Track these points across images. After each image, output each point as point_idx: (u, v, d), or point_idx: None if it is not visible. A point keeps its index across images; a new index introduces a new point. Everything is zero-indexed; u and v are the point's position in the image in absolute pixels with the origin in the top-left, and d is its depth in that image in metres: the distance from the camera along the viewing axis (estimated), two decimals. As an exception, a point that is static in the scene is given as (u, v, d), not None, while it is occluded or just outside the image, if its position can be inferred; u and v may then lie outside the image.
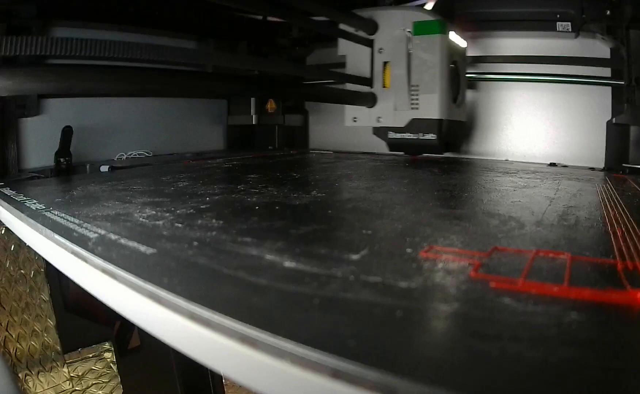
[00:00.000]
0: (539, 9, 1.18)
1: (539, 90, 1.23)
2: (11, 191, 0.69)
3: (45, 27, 1.03)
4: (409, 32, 1.09)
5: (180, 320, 0.27)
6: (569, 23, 1.16)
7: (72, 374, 0.88)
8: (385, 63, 1.13)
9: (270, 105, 1.42)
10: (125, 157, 1.19)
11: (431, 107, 1.08)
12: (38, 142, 1.06)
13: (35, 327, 0.87)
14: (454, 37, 1.11)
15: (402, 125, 1.12)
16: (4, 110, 0.98)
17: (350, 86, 1.14)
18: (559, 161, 1.19)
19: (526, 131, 1.25)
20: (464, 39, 1.19)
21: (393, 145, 1.15)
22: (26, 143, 1.05)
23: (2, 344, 0.77)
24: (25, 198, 0.62)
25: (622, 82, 1.12)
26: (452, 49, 1.11)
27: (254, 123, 1.41)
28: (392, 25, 1.11)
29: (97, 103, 1.18)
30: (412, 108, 1.10)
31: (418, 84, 1.09)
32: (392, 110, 1.12)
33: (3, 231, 0.88)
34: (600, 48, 1.17)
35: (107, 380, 0.95)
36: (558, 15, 1.17)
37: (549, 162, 1.19)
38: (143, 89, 1.13)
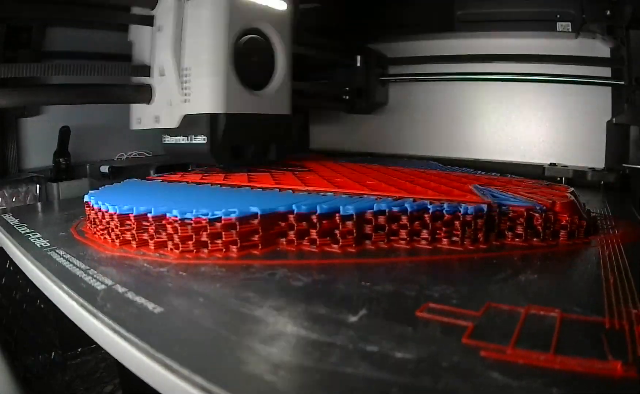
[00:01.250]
0: (539, 9, 1.19)
1: (538, 90, 1.24)
2: (14, 219, 0.71)
3: (45, 27, 1.04)
4: None
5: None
6: (569, 23, 1.17)
7: (72, 375, 0.90)
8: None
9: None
10: (125, 157, 1.21)
11: (202, 96, 0.81)
12: (38, 142, 1.07)
13: (35, 327, 0.89)
14: None
15: (175, 125, 0.85)
16: (4, 110, 0.99)
17: (137, 80, 0.90)
18: (559, 161, 1.20)
19: (526, 131, 1.26)
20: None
21: (169, 152, 0.91)
22: (26, 143, 1.07)
23: (2, 344, 0.78)
24: (28, 230, 0.64)
25: (622, 82, 1.13)
26: (246, 10, 0.84)
27: (254, 123, 1.41)
28: None
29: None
30: (185, 101, 0.83)
31: (190, 66, 0.82)
32: (167, 106, 0.86)
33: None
34: (600, 48, 1.18)
35: (107, 380, 0.97)
36: (558, 15, 1.17)
37: (549, 162, 1.20)
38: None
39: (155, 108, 0.87)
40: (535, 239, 0.54)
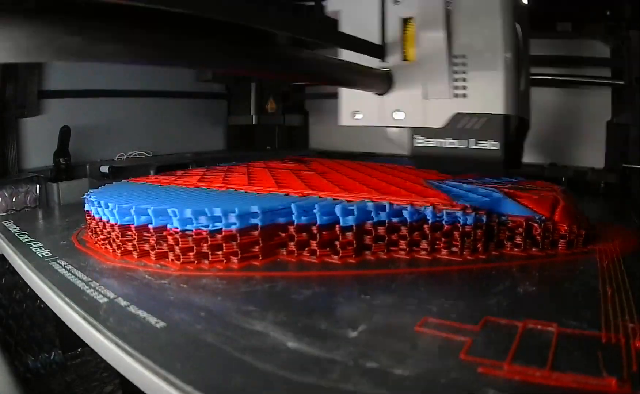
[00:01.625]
0: (539, 9, 1.19)
1: (538, 90, 1.24)
2: (14, 226, 0.72)
3: None
4: None
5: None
6: (569, 23, 1.17)
7: (72, 375, 0.91)
8: (406, 21, 0.73)
9: (271, 105, 1.43)
10: (125, 157, 1.21)
11: (491, 93, 0.68)
12: (38, 142, 1.08)
13: (35, 327, 0.89)
14: None
15: (439, 125, 0.72)
16: (4, 110, 1.00)
17: (348, 60, 0.68)
18: (559, 161, 1.21)
19: (526, 131, 1.26)
20: None
21: (421, 157, 0.75)
22: (26, 143, 1.08)
23: (2, 344, 0.79)
24: (30, 239, 0.64)
25: (622, 82, 1.13)
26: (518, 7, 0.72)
27: (254, 123, 1.43)
28: None
29: (97, 103, 1.20)
30: (457, 96, 0.70)
31: (465, 55, 0.68)
32: (419, 100, 0.72)
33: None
34: (600, 48, 1.18)
35: (107, 381, 0.98)
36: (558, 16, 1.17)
37: (549, 162, 1.21)
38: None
39: (393, 101, 0.73)
40: (534, 249, 0.55)
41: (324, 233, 0.52)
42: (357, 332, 0.38)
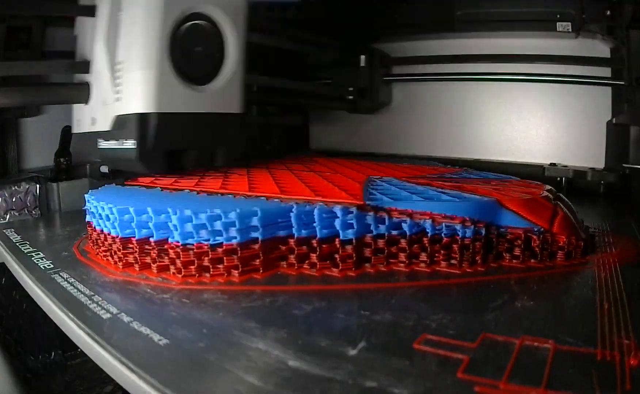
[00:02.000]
0: (539, 9, 1.19)
1: (539, 90, 1.25)
2: (16, 235, 0.73)
3: (45, 27, 1.03)
4: None
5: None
6: (569, 23, 1.17)
7: (72, 375, 0.91)
8: None
9: (272, 107, 1.44)
10: None
11: (133, 94, 0.69)
12: (38, 142, 1.07)
13: (35, 327, 0.90)
14: None
15: (107, 128, 0.73)
16: (4, 110, 0.99)
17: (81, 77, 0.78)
18: (559, 161, 1.21)
19: (526, 131, 1.27)
20: None
21: (104, 159, 0.82)
22: (26, 143, 1.07)
23: (2, 344, 0.79)
24: (31, 250, 0.65)
25: (622, 82, 1.14)
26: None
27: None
28: None
29: None
30: (117, 100, 0.71)
31: (123, 60, 0.70)
32: (102, 106, 0.74)
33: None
34: (600, 48, 1.18)
35: (107, 380, 0.98)
36: (558, 15, 1.18)
37: (549, 162, 1.21)
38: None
39: (91, 109, 0.77)
40: (532, 260, 0.56)
41: (323, 246, 0.53)
42: (356, 350, 0.38)
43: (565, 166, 1.20)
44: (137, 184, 0.74)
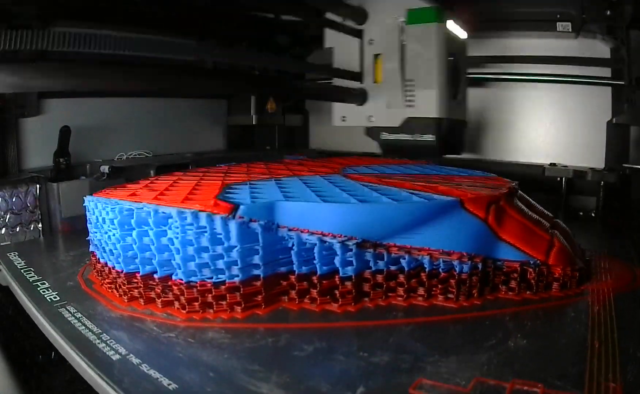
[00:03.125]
0: (539, 9, 1.20)
1: (539, 90, 1.26)
2: (20, 260, 0.74)
3: (45, 27, 1.05)
4: (403, 21, 1.02)
5: None
6: (569, 23, 1.18)
7: (72, 375, 0.92)
8: (376, 56, 1.07)
9: (271, 105, 1.44)
10: (125, 157, 1.23)
11: (428, 104, 1.01)
12: (38, 142, 1.09)
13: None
14: (452, 26, 1.05)
15: (396, 125, 1.05)
16: (4, 110, 1.01)
17: (339, 82, 1.09)
18: (559, 161, 1.23)
19: (526, 131, 1.28)
20: (464, 30, 1.13)
21: (386, 146, 1.09)
22: (26, 143, 1.09)
23: (2, 344, 0.81)
24: (36, 278, 0.67)
25: (622, 82, 1.15)
26: (451, 39, 1.04)
27: (254, 123, 1.44)
28: (384, 14, 1.04)
29: (97, 103, 1.21)
30: (407, 106, 1.03)
31: (413, 79, 1.02)
32: (384, 108, 1.06)
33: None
34: (600, 48, 1.19)
35: None
36: (558, 15, 1.18)
37: (549, 162, 1.23)
38: (147, 88, 1.14)
39: (368, 109, 1.08)
40: (528, 292, 0.57)
41: (324, 282, 0.55)
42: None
43: (565, 166, 1.21)
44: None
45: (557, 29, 1.19)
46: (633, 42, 1.12)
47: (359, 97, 1.07)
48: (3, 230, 0.89)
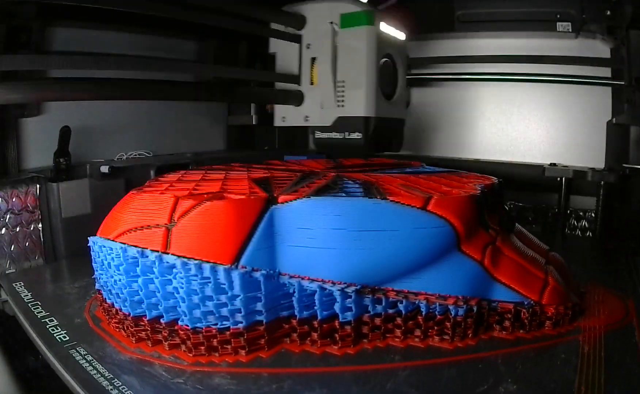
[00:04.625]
0: (539, 9, 1.21)
1: (539, 90, 1.27)
2: (25, 292, 0.77)
3: (45, 27, 1.06)
4: (337, 25, 1.08)
5: None
6: (569, 23, 1.19)
7: None
8: (313, 59, 1.13)
9: (271, 106, 1.46)
10: (125, 157, 1.24)
11: (357, 103, 1.07)
12: (38, 142, 1.10)
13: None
14: (386, 28, 1.10)
15: (329, 124, 1.11)
16: (4, 110, 1.01)
17: (282, 86, 1.16)
18: (559, 161, 1.25)
19: (526, 131, 1.30)
20: (402, 31, 1.17)
21: (319, 145, 1.16)
22: (26, 143, 1.09)
23: (2, 344, 0.82)
24: (44, 314, 0.70)
25: (622, 82, 1.16)
26: (384, 41, 1.09)
27: (254, 123, 1.46)
28: (320, 19, 1.10)
29: (97, 103, 1.21)
30: (339, 106, 1.09)
31: (344, 80, 1.08)
32: (318, 109, 1.12)
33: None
34: (600, 48, 1.20)
35: None
36: (558, 15, 1.19)
37: (549, 162, 1.25)
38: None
39: (304, 110, 1.15)
40: (521, 331, 0.61)
41: (324, 326, 0.58)
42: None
43: (565, 166, 1.23)
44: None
45: (557, 29, 1.20)
46: (633, 42, 1.13)
47: (297, 98, 1.15)
48: (3, 230, 0.90)
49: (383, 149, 1.18)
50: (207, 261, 0.56)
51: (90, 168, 1.08)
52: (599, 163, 1.22)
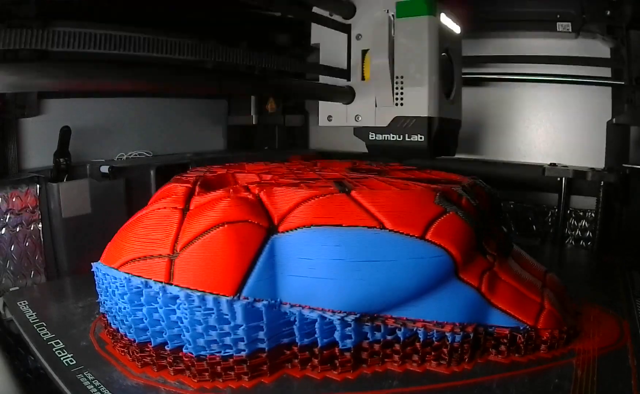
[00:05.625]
0: (539, 9, 1.21)
1: (539, 90, 1.29)
2: (31, 312, 0.79)
3: (45, 27, 1.07)
4: (392, 14, 0.96)
5: None
6: (569, 23, 1.19)
7: None
8: (364, 52, 1.01)
9: (271, 105, 1.47)
10: (125, 157, 1.26)
11: (418, 102, 0.95)
12: (38, 142, 1.11)
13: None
14: (445, 20, 0.99)
15: (384, 125, 0.99)
16: (4, 110, 1.03)
17: (326, 80, 1.03)
18: (559, 161, 1.26)
19: (526, 131, 1.31)
20: (458, 24, 1.08)
21: (373, 147, 1.03)
22: (26, 143, 1.11)
23: (2, 344, 0.80)
24: (50, 336, 0.71)
25: (622, 82, 1.18)
26: (444, 33, 0.98)
27: (254, 123, 1.47)
28: (372, 7, 0.98)
29: (97, 103, 1.23)
30: (396, 105, 0.97)
31: (403, 76, 0.96)
32: (372, 107, 1.00)
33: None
34: (600, 48, 1.21)
35: None
36: (558, 15, 1.20)
37: (549, 162, 1.26)
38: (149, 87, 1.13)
39: (355, 108, 1.02)
40: (516, 355, 0.63)
41: (324, 352, 0.60)
42: None
43: (565, 166, 1.24)
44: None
45: (557, 29, 1.21)
46: (633, 42, 1.14)
47: (346, 96, 1.02)
48: (3, 230, 0.92)
49: (441, 152, 1.05)
50: (210, 293, 0.58)
51: (90, 168, 1.11)
52: (599, 163, 1.23)
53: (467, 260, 0.62)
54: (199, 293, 0.58)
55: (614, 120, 1.19)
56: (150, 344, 0.62)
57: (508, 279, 0.65)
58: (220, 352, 0.59)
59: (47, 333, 0.73)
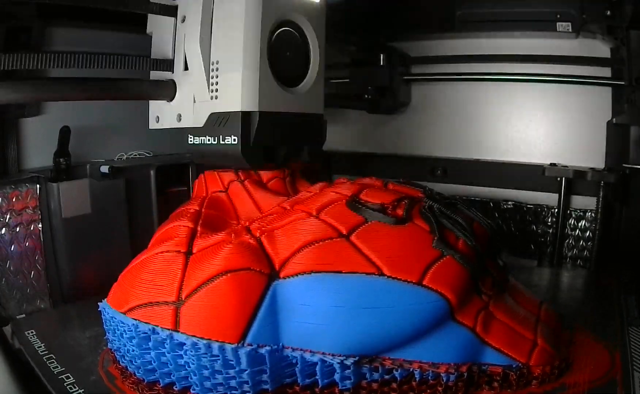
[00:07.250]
0: (539, 9, 1.22)
1: (539, 90, 1.30)
2: (39, 343, 0.82)
3: (45, 27, 1.09)
4: None
5: None
6: (569, 23, 1.21)
7: None
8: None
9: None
10: (125, 157, 1.28)
11: (232, 93, 0.77)
12: (38, 142, 1.13)
13: None
14: None
15: (201, 125, 0.81)
16: (4, 110, 1.05)
17: (158, 75, 0.87)
18: (559, 161, 1.28)
19: (526, 131, 1.33)
20: None
21: (194, 153, 0.87)
22: (26, 143, 1.13)
23: (2, 344, 0.85)
24: (60, 369, 0.74)
25: (622, 82, 1.19)
26: (285, 3, 0.80)
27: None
28: None
29: (97, 103, 1.22)
30: (212, 98, 0.79)
31: (218, 60, 0.79)
32: (191, 103, 0.83)
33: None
34: (600, 48, 1.23)
35: None
36: (558, 15, 1.21)
37: (549, 162, 1.29)
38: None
39: (177, 106, 0.85)
40: (508, 390, 0.66)
41: (325, 391, 0.64)
42: None
43: (565, 166, 1.27)
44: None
45: (557, 29, 1.22)
46: (633, 42, 1.15)
47: (168, 91, 0.85)
48: (3, 230, 0.95)
49: (283, 159, 0.85)
50: (215, 341, 0.61)
51: (90, 168, 1.14)
52: (599, 163, 1.26)
53: (463, 302, 0.65)
54: (204, 341, 0.61)
55: (614, 120, 1.21)
56: (159, 384, 0.66)
57: (502, 317, 0.68)
58: (226, 393, 0.63)
59: (57, 366, 0.75)
